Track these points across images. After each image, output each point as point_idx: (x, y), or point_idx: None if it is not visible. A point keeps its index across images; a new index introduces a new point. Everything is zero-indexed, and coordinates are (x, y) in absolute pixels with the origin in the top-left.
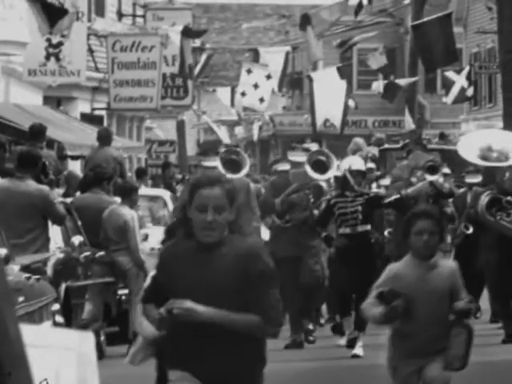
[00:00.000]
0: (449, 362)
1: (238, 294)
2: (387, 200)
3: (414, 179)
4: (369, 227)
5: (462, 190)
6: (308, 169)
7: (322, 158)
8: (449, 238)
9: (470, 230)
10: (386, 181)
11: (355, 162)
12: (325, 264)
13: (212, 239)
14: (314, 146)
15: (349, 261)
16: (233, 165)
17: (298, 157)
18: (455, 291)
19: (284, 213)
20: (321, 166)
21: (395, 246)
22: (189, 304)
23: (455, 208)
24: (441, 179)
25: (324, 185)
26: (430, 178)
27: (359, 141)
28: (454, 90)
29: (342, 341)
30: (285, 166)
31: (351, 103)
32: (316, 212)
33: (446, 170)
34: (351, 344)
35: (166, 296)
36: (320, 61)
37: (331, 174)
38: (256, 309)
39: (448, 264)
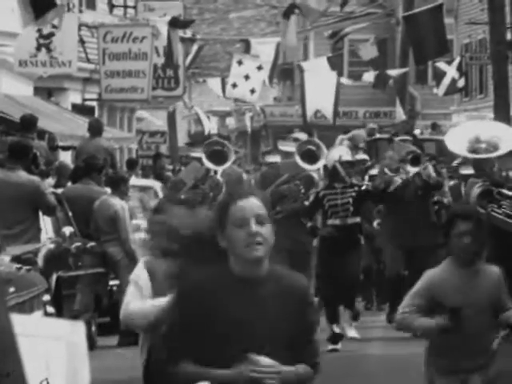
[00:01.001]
0: (491, 379)
1: (287, 341)
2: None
3: (400, 171)
4: (358, 219)
5: (455, 182)
6: (298, 159)
7: (312, 147)
8: None
9: None
10: (375, 171)
11: (344, 153)
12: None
13: (261, 254)
14: (302, 136)
15: (336, 252)
16: (217, 156)
17: (289, 147)
18: (501, 301)
19: (274, 204)
20: (311, 156)
21: (386, 237)
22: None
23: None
24: (431, 170)
25: (315, 175)
26: (412, 169)
27: (360, 135)
28: (445, 82)
29: (352, 332)
30: (274, 158)
31: (346, 81)
32: (306, 203)
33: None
34: (335, 339)
35: (195, 346)
36: (293, 47)
37: (321, 163)
38: (305, 358)
39: (492, 270)
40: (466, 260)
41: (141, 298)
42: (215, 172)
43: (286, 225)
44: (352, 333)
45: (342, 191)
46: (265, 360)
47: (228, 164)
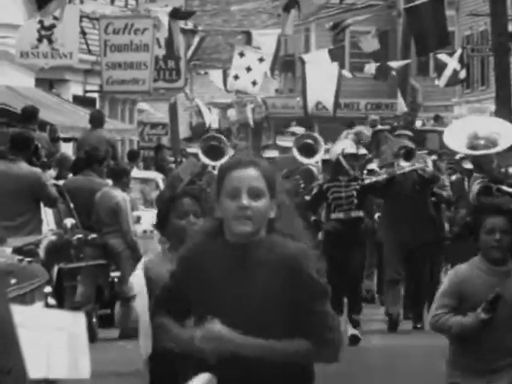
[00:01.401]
0: None
1: (281, 312)
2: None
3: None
4: (361, 213)
5: (458, 176)
6: (295, 153)
7: (310, 141)
8: (447, 226)
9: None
10: (374, 165)
11: (349, 146)
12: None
13: (249, 229)
14: (298, 130)
15: (340, 246)
16: (214, 152)
17: (287, 142)
18: None
19: None
20: (309, 150)
21: (384, 233)
22: (219, 329)
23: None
24: (429, 163)
25: (314, 169)
26: (404, 164)
27: (365, 133)
28: (447, 73)
29: (353, 330)
30: (272, 153)
31: (347, 73)
32: (307, 197)
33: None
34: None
35: (185, 308)
36: (288, 35)
37: (319, 157)
38: (306, 332)
39: None
40: (495, 258)
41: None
42: (213, 168)
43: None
44: (353, 330)
45: (346, 184)
46: (218, 328)
47: (224, 159)
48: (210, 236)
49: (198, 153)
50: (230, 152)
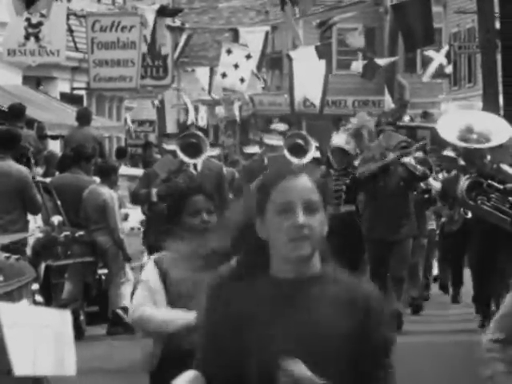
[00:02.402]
0: None
1: (345, 366)
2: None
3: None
4: (353, 207)
5: (455, 173)
6: (286, 153)
7: (300, 141)
8: (434, 224)
9: (470, 215)
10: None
11: (336, 140)
12: None
13: (305, 252)
14: (281, 127)
15: (330, 241)
16: (192, 149)
17: (274, 140)
18: None
19: None
20: (299, 150)
21: (364, 230)
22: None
23: (445, 192)
24: (413, 161)
25: None
26: (402, 160)
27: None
28: (432, 66)
29: None
30: (253, 149)
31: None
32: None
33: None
34: None
35: (230, 357)
36: (299, 42)
37: (310, 157)
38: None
39: None
40: None
41: (153, 303)
42: (195, 166)
43: None
44: None
45: (336, 178)
46: (302, 370)
47: (202, 157)
48: (249, 268)
49: (175, 150)
50: (208, 150)
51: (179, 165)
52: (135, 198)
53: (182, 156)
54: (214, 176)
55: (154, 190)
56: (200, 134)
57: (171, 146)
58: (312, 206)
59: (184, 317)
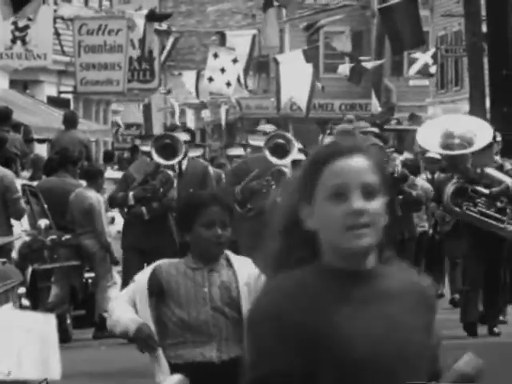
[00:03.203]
0: None
1: (418, 363)
2: None
3: None
4: None
5: (447, 175)
6: (267, 153)
7: (282, 141)
8: (426, 225)
9: None
10: None
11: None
12: None
13: (366, 242)
14: (269, 128)
15: None
16: (167, 150)
17: (259, 141)
18: None
19: (245, 201)
20: (281, 150)
21: None
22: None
23: (439, 193)
24: (398, 162)
25: (287, 170)
26: None
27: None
28: (418, 64)
29: None
30: (237, 151)
31: (318, 85)
32: (278, 200)
33: (407, 155)
34: None
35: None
36: (276, 48)
37: (291, 157)
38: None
39: None
40: None
41: (132, 303)
42: (173, 167)
43: (258, 222)
44: None
45: None
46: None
47: (178, 159)
48: (299, 266)
49: (150, 151)
50: (183, 151)
51: (155, 167)
52: (112, 202)
53: (156, 158)
54: (199, 175)
55: (131, 193)
56: (175, 135)
57: (146, 148)
58: (371, 189)
59: (124, 324)
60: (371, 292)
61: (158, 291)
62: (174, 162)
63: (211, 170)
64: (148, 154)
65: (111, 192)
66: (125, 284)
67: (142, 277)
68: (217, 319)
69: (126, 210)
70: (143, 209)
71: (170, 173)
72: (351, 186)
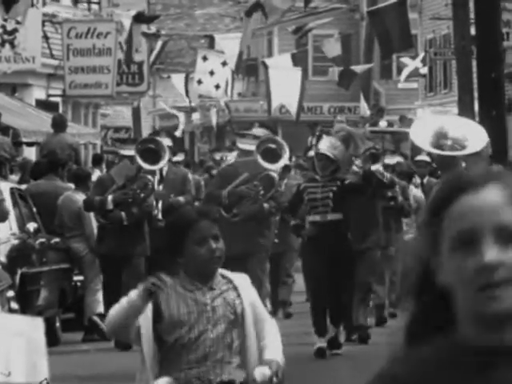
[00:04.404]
0: None
1: None
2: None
3: (353, 168)
4: (340, 216)
5: (437, 180)
6: (258, 158)
7: (273, 145)
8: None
9: None
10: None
11: (322, 145)
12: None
13: (506, 307)
14: (261, 132)
15: (320, 251)
16: (151, 155)
17: (248, 145)
18: None
19: (231, 206)
20: (272, 155)
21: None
22: None
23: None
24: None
25: (275, 175)
26: (371, 167)
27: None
28: (407, 69)
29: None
30: (223, 155)
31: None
32: (266, 205)
33: (399, 159)
34: (332, 345)
35: None
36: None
37: (283, 162)
38: None
39: None
40: None
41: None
42: (161, 172)
43: (243, 228)
44: (321, 343)
45: (323, 184)
46: None
47: (162, 163)
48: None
49: (133, 155)
50: (167, 155)
51: (136, 171)
52: (88, 205)
53: (140, 162)
54: (179, 181)
55: (110, 197)
56: (159, 139)
57: (127, 152)
58: (509, 232)
59: (124, 302)
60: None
61: (155, 311)
62: (158, 167)
63: (191, 176)
64: (129, 157)
65: (87, 196)
66: (105, 291)
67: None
68: (217, 338)
69: (101, 214)
70: (122, 214)
71: (150, 177)
72: (482, 231)
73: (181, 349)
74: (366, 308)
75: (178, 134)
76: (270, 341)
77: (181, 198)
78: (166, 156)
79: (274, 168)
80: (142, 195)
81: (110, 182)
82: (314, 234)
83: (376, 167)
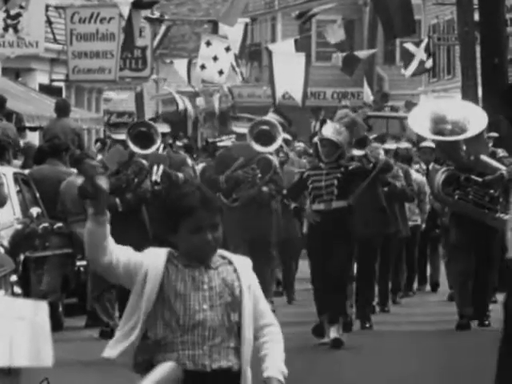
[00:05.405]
0: None
1: None
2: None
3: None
4: (345, 203)
5: (441, 167)
6: (251, 141)
7: (266, 127)
8: (418, 219)
9: None
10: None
11: (325, 130)
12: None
13: None
14: (273, 117)
15: (323, 240)
16: (143, 139)
17: (243, 128)
18: None
19: (230, 191)
20: (266, 137)
21: None
22: None
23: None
24: (381, 151)
25: (272, 158)
26: (357, 152)
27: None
28: (414, 63)
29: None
30: (226, 142)
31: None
32: (265, 189)
33: (402, 144)
34: (347, 328)
35: None
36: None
37: (277, 145)
38: None
39: None
40: None
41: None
42: (146, 157)
43: (244, 213)
44: (335, 333)
45: (327, 172)
46: None
47: (154, 147)
48: None
49: (125, 139)
50: (159, 139)
51: (129, 156)
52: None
53: (132, 146)
54: (177, 166)
55: None
56: (151, 123)
57: (120, 136)
58: None
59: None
60: None
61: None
62: (151, 151)
63: (189, 161)
64: (121, 142)
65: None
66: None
67: (159, 258)
68: (213, 320)
69: None
70: (117, 200)
71: (144, 162)
72: None
73: (176, 327)
74: (350, 296)
75: (191, 117)
76: (272, 348)
77: (180, 174)
78: (159, 140)
79: (268, 151)
80: (136, 180)
81: (103, 168)
82: (317, 222)
83: (360, 153)
